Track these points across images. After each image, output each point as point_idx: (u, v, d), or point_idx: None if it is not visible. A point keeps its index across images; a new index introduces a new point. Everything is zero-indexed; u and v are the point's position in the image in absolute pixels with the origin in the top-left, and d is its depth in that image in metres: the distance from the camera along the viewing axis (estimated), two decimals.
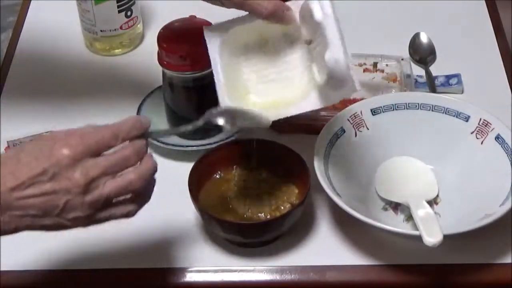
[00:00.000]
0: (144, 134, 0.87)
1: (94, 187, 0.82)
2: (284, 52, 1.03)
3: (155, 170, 0.87)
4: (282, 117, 1.00)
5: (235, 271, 1.01)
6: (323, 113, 1.13)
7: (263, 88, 1.03)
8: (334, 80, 0.95)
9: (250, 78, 1.03)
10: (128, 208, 0.86)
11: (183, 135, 1.14)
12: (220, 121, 0.93)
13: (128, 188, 0.84)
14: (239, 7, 0.99)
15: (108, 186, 0.83)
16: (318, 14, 0.96)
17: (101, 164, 0.83)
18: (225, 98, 1.00)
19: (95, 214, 0.84)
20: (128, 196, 0.86)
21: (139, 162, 0.86)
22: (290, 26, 1.01)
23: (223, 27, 1.02)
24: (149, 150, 0.88)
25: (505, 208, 0.97)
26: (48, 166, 0.81)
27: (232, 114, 0.95)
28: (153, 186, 0.88)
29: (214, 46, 1.02)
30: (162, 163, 1.10)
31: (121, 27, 1.28)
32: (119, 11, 1.27)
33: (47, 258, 1.02)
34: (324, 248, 1.03)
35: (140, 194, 0.87)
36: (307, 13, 0.98)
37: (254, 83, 1.03)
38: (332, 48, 0.94)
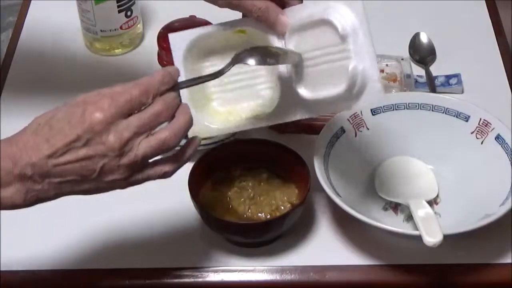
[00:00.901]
0: (174, 86, 0.86)
1: (129, 149, 0.82)
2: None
3: (190, 124, 0.86)
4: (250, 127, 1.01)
5: (235, 271, 1.01)
6: None
7: (226, 97, 1.02)
8: (351, 90, 0.93)
9: (213, 86, 1.02)
10: (165, 168, 0.85)
11: None
12: (251, 61, 0.92)
13: (163, 146, 0.83)
14: (232, 6, 0.98)
15: (142, 146, 0.82)
16: (343, 28, 0.92)
17: (134, 124, 0.82)
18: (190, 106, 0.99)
19: (132, 175, 0.84)
20: (165, 156, 0.85)
21: (173, 115, 0.85)
22: (256, 38, 0.99)
23: (189, 34, 1.01)
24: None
25: (505, 208, 0.97)
26: (82, 132, 0.80)
27: (261, 53, 0.94)
28: (194, 146, 0.88)
29: (178, 54, 1.00)
30: None
31: (121, 27, 1.28)
32: (119, 11, 1.27)
33: (47, 258, 1.02)
34: (324, 248, 1.03)
35: (177, 154, 0.86)
36: (311, 26, 0.95)
37: (217, 90, 1.03)
38: (357, 58, 0.91)
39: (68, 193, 0.84)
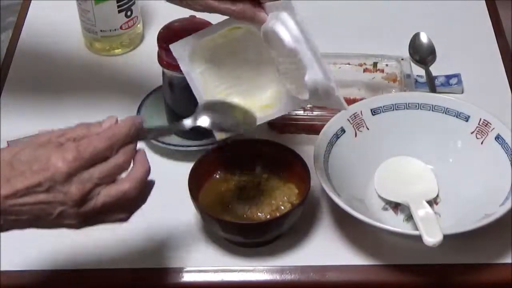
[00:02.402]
0: (135, 138, 0.87)
1: (89, 198, 0.83)
2: (251, 54, 1.02)
3: (148, 173, 0.86)
4: (264, 121, 1.01)
5: (235, 271, 1.01)
6: (323, 113, 1.13)
7: (239, 90, 1.02)
8: (317, 96, 0.94)
9: (225, 81, 1.03)
10: (121, 216, 0.86)
11: (183, 135, 1.14)
12: (205, 121, 0.94)
13: (123, 197, 0.84)
14: (209, 10, 0.99)
15: (102, 196, 0.83)
16: (289, 42, 0.93)
17: (96, 175, 0.83)
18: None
19: (88, 221, 0.85)
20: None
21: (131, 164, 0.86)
22: (253, 29, 1.00)
23: (187, 40, 1.02)
24: (141, 148, 0.88)
25: (505, 208, 0.97)
26: (44, 180, 0.81)
27: (219, 112, 0.96)
28: (150, 188, 0.88)
29: (184, 61, 1.01)
30: (162, 163, 1.11)
31: (121, 27, 1.28)
32: (119, 11, 1.27)
33: (47, 258, 1.02)
34: (324, 248, 1.03)
35: (134, 201, 0.86)
36: (271, 37, 0.96)
37: (229, 86, 1.03)
38: (310, 70, 0.92)
39: (22, 229, 0.84)
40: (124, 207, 0.86)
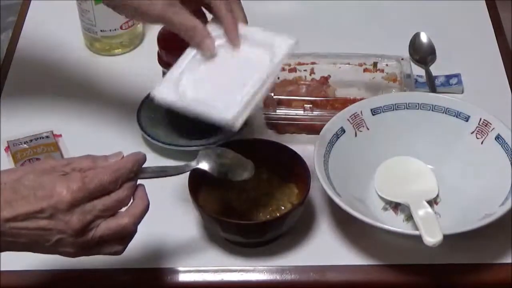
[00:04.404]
0: (138, 174, 0.88)
1: (88, 230, 0.83)
2: None
3: (147, 210, 0.88)
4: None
5: (235, 271, 1.01)
6: (323, 113, 1.13)
7: None
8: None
9: None
10: (116, 248, 0.87)
11: (183, 135, 1.14)
12: (205, 166, 0.96)
13: (122, 232, 0.85)
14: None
15: (101, 228, 0.84)
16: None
17: (98, 208, 0.84)
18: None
19: (84, 251, 0.85)
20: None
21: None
22: None
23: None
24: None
25: (505, 208, 0.97)
26: (47, 206, 0.81)
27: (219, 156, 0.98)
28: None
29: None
30: (163, 163, 1.11)
31: (121, 27, 1.28)
32: None
33: (46, 258, 1.02)
34: (324, 248, 1.03)
35: (131, 234, 0.88)
36: None
37: None
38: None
39: (17, 251, 0.85)
40: (121, 240, 0.87)
